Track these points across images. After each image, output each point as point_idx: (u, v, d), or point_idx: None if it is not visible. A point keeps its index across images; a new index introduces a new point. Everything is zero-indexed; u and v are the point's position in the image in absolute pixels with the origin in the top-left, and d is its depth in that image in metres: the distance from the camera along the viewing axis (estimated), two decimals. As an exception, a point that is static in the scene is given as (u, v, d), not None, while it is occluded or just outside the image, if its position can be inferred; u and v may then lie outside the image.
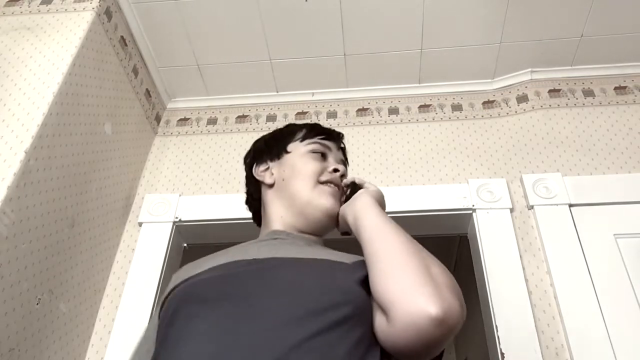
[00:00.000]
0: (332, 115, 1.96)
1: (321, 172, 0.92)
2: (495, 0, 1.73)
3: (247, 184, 1.05)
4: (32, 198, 1.25)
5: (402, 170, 1.77)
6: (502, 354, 1.35)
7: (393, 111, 1.95)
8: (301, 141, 0.97)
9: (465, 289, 2.62)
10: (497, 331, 1.38)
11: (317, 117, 1.96)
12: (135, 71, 1.81)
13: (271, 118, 1.98)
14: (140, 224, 1.70)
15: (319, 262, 0.76)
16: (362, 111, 1.96)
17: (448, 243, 2.82)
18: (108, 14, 1.64)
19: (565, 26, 1.79)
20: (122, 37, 1.73)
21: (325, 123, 1.93)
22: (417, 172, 1.76)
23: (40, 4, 1.59)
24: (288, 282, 0.70)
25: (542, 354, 1.33)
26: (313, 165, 0.92)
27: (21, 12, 1.57)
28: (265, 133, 1.08)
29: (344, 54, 1.89)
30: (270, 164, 0.98)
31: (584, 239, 1.50)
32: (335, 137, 1.01)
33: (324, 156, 0.96)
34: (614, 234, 1.51)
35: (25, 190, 1.22)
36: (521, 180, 1.66)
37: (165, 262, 1.60)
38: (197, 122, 2.01)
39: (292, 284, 0.69)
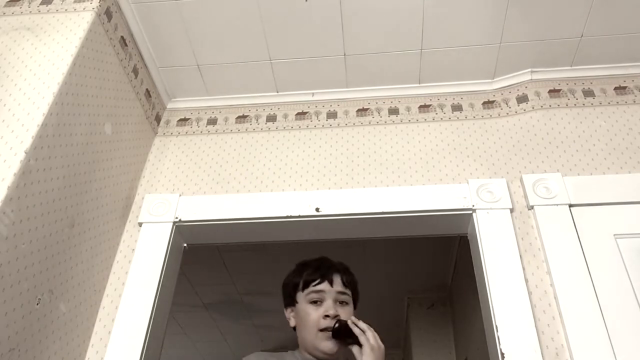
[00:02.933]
0: (332, 115, 1.96)
1: (318, 321, 1.16)
2: (495, 0, 1.73)
3: None
4: (32, 198, 1.25)
5: (402, 170, 1.77)
6: (502, 354, 1.35)
7: (393, 111, 1.95)
8: (302, 291, 1.21)
9: (465, 289, 2.62)
10: (497, 331, 1.38)
11: (317, 117, 1.96)
12: (135, 71, 1.81)
13: (271, 118, 1.98)
14: (140, 224, 1.70)
15: None
16: (362, 111, 1.96)
17: (448, 243, 2.82)
18: (108, 14, 1.64)
19: (565, 26, 1.79)
20: (122, 37, 1.73)
21: (326, 123, 1.94)
22: (417, 172, 1.76)
23: (40, 4, 1.59)
24: None
25: (542, 354, 1.33)
26: (312, 317, 1.17)
27: (21, 12, 1.57)
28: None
29: (344, 54, 1.89)
30: (291, 309, 1.25)
31: (584, 239, 1.50)
32: (330, 276, 1.21)
33: (320, 302, 1.19)
34: (614, 234, 1.51)
35: (25, 190, 1.22)
36: (521, 181, 1.66)
37: (165, 262, 1.61)
38: (197, 122, 2.01)
39: None
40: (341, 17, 1.78)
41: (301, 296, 1.22)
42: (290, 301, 1.25)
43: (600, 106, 1.83)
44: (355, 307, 1.26)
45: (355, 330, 1.10)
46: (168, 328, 1.68)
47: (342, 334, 1.13)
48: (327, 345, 1.14)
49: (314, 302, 1.19)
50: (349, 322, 1.13)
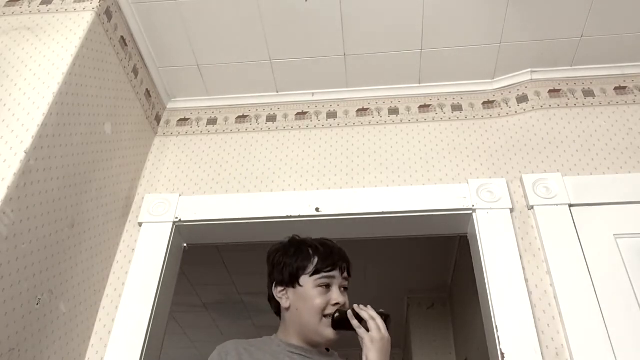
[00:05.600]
0: (332, 115, 1.96)
1: (325, 306, 1.13)
2: (495, 0, 1.73)
3: (268, 289, 1.22)
4: (32, 198, 1.25)
5: (402, 170, 1.77)
6: (502, 354, 1.35)
7: (393, 111, 1.95)
8: (311, 276, 1.16)
9: (465, 289, 2.62)
10: (497, 331, 1.38)
11: (317, 117, 1.96)
12: (135, 71, 1.81)
13: (271, 118, 1.98)
14: (140, 224, 1.70)
15: None
16: (362, 111, 1.96)
17: (448, 243, 2.82)
18: (108, 14, 1.64)
19: (565, 26, 1.79)
20: (122, 37, 1.73)
21: (326, 123, 1.94)
22: (417, 172, 1.76)
23: (40, 4, 1.59)
24: None
25: (542, 354, 1.33)
26: (320, 301, 1.13)
27: (21, 12, 1.57)
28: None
29: (344, 54, 1.89)
30: (287, 289, 1.18)
31: (584, 239, 1.50)
32: (339, 263, 1.18)
33: (328, 287, 1.15)
34: (614, 234, 1.51)
35: (25, 190, 1.22)
36: (521, 181, 1.66)
37: (165, 262, 1.61)
38: (197, 122, 2.01)
39: None
40: (341, 17, 1.78)
41: (308, 280, 1.16)
42: (290, 282, 1.18)
43: (600, 106, 1.83)
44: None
45: (354, 323, 1.07)
46: (168, 328, 1.68)
47: (342, 325, 1.10)
48: (331, 332, 1.12)
49: (322, 287, 1.15)
50: (349, 314, 1.09)
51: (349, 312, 1.09)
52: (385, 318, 1.07)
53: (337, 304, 1.13)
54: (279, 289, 1.19)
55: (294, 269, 1.18)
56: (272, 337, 1.19)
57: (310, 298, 1.14)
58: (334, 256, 1.19)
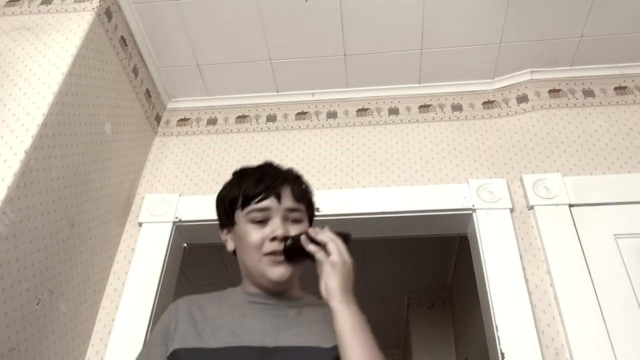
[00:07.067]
0: (332, 115, 1.96)
1: (262, 243, 0.93)
2: (495, 0, 1.73)
3: None
4: (32, 198, 1.25)
5: (402, 170, 1.77)
6: (502, 354, 1.35)
7: (393, 111, 1.95)
8: (242, 210, 0.96)
9: (465, 289, 2.61)
10: (497, 331, 1.38)
11: (317, 117, 1.96)
12: (135, 71, 1.81)
13: (271, 118, 1.98)
14: (140, 224, 1.70)
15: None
16: (362, 111, 1.96)
17: (448, 243, 2.82)
18: (108, 14, 1.64)
19: (565, 26, 1.79)
20: (122, 37, 1.73)
21: (326, 123, 1.94)
22: (417, 172, 1.76)
23: (40, 4, 1.59)
24: None
25: (542, 354, 1.33)
26: (254, 238, 0.93)
27: (21, 12, 1.57)
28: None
29: (344, 54, 1.89)
30: (228, 230, 1.01)
31: (584, 239, 1.50)
32: (274, 189, 0.96)
33: (264, 221, 0.94)
34: (614, 234, 1.51)
35: (25, 190, 1.22)
36: (521, 181, 1.66)
37: (165, 262, 1.61)
38: (197, 122, 2.01)
39: None
40: (341, 17, 1.78)
41: (240, 216, 0.96)
42: (226, 221, 1.00)
43: (600, 106, 1.83)
44: (310, 224, 1.02)
45: (310, 248, 0.88)
46: (168, 328, 1.68)
47: (296, 254, 0.90)
48: (276, 271, 0.91)
49: (258, 222, 0.94)
50: (302, 238, 0.89)
51: (303, 237, 0.90)
52: (345, 238, 0.91)
53: (274, 238, 0.92)
54: (223, 232, 1.02)
55: (226, 204, 1.00)
56: (237, 288, 1.01)
57: (245, 235, 0.94)
58: (264, 180, 0.97)
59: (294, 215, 0.97)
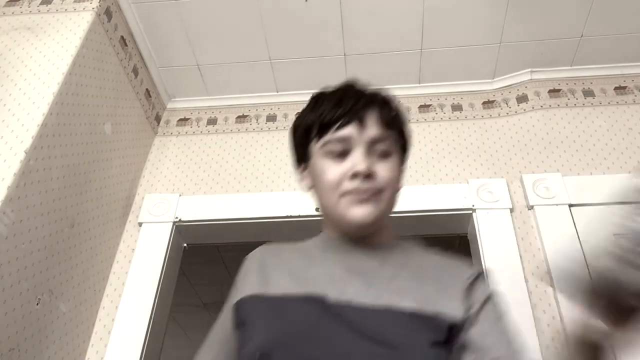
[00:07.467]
0: (332, 115, 1.96)
1: (341, 181, 0.76)
2: (495, 0, 1.73)
3: None
4: (32, 198, 1.25)
5: (402, 170, 1.77)
6: (502, 354, 1.34)
7: (393, 111, 1.94)
8: (317, 141, 0.81)
9: (465, 289, 2.52)
10: (497, 331, 1.38)
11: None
12: (135, 71, 1.81)
13: (271, 118, 1.98)
14: (140, 224, 1.70)
15: (387, 321, 0.70)
16: (362, 111, 1.96)
17: (448, 243, 2.82)
18: (108, 14, 1.64)
19: (565, 26, 1.79)
20: (122, 37, 1.73)
21: (325, 123, 1.93)
22: (417, 172, 1.76)
23: (40, 4, 1.59)
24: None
25: (542, 354, 1.33)
26: (330, 176, 0.77)
27: (21, 12, 1.57)
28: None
29: (344, 54, 1.89)
30: (304, 167, 0.87)
31: (584, 239, 1.50)
32: (356, 113, 0.78)
33: (344, 153, 0.78)
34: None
35: (25, 190, 1.22)
36: (521, 181, 1.66)
37: (165, 262, 1.61)
38: (197, 122, 2.01)
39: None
40: (341, 17, 1.78)
41: (315, 148, 0.81)
42: (301, 155, 0.85)
43: (600, 106, 1.83)
44: (404, 161, 0.86)
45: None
46: (168, 328, 1.68)
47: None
48: (358, 211, 0.75)
49: (337, 156, 0.78)
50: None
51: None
52: None
53: (355, 174, 0.75)
54: (299, 170, 0.88)
55: (300, 134, 0.85)
56: (321, 234, 0.87)
57: (320, 172, 0.79)
58: (343, 104, 0.79)
59: (381, 146, 0.79)
